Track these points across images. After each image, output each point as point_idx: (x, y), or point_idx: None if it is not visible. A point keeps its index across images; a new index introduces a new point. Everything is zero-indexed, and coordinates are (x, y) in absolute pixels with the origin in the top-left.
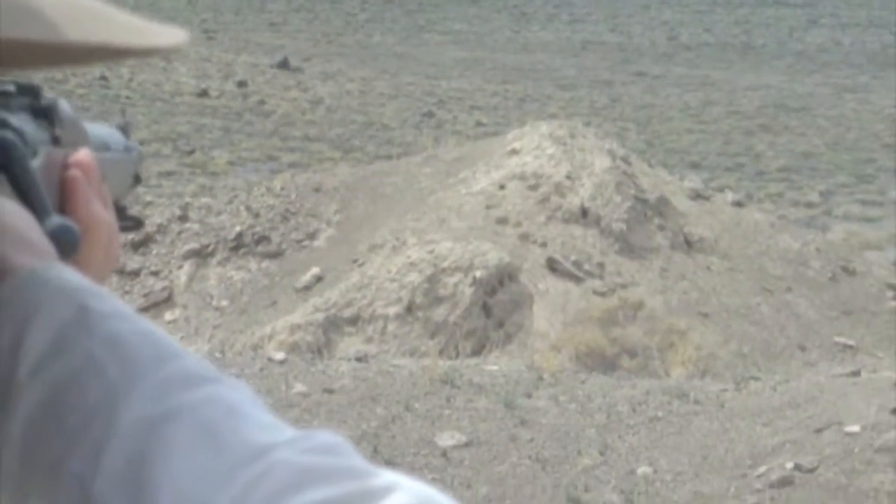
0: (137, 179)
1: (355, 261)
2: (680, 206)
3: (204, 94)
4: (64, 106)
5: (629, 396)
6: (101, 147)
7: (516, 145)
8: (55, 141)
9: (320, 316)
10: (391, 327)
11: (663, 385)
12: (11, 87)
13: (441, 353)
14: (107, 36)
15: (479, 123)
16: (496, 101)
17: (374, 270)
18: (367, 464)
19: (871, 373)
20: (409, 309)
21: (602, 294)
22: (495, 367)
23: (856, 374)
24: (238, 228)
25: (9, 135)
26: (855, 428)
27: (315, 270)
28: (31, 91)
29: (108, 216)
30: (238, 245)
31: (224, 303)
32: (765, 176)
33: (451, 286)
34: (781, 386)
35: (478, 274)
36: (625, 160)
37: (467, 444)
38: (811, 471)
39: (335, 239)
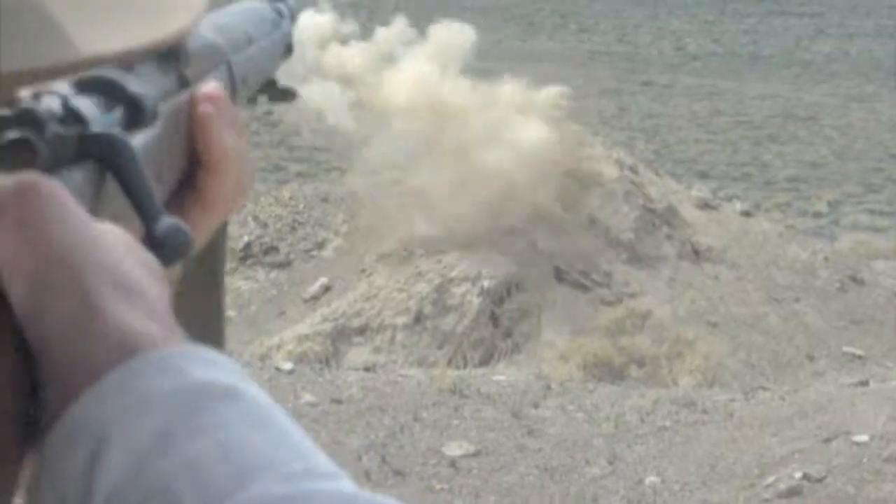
0: (289, 49)
1: (363, 271)
2: (688, 216)
3: None
4: (194, 35)
5: (637, 406)
6: (243, 42)
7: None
8: (182, 81)
9: (328, 326)
10: (399, 337)
11: (671, 394)
12: None
13: (449, 362)
14: (125, 40)
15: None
16: None
17: (382, 280)
18: None
19: (880, 382)
20: (418, 319)
21: (610, 303)
22: (503, 377)
23: (864, 383)
24: (246, 238)
25: (114, 130)
26: (864, 437)
27: (323, 280)
28: None
29: (240, 147)
30: (246, 255)
31: (232, 313)
32: (773, 186)
33: (459, 296)
34: (790, 396)
35: (485, 284)
36: (633, 170)
37: (475, 454)
38: (820, 480)
39: (343, 249)
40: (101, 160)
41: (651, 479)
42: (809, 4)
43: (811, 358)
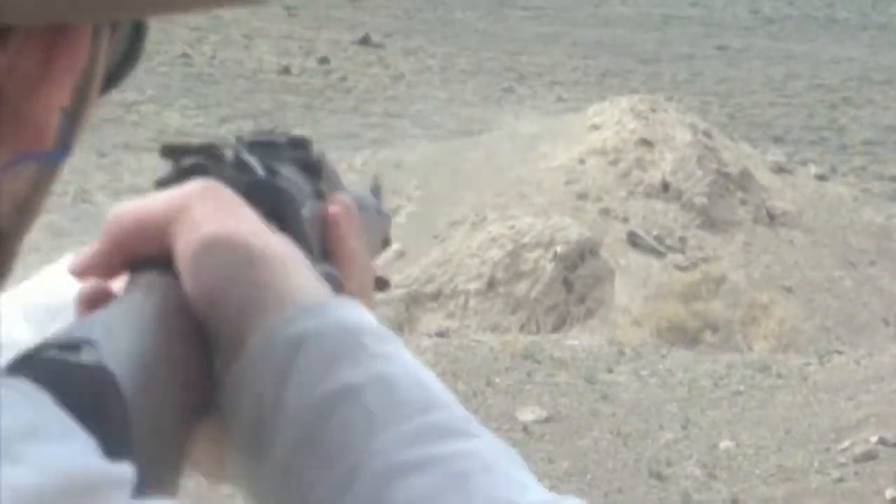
0: (387, 242)
1: (436, 237)
2: (762, 180)
3: (285, 71)
4: (329, 160)
5: (711, 371)
6: (358, 205)
7: (597, 120)
8: (319, 195)
9: (402, 292)
10: (472, 303)
11: (745, 359)
12: (283, 140)
13: (522, 328)
14: None
15: (559, 99)
16: (577, 76)
17: (454, 246)
18: None
19: None
20: (491, 284)
21: (684, 268)
22: (576, 342)
23: None
24: None
25: (283, 183)
26: None
27: (396, 247)
28: (301, 144)
29: (364, 254)
30: None
31: None
32: (848, 149)
33: (532, 261)
34: (865, 360)
35: (559, 249)
36: (706, 134)
37: (548, 419)
38: (895, 444)
39: (416, 215)
40: (268, 207)
41: (725, 443)
42: None
43: (886, 322)
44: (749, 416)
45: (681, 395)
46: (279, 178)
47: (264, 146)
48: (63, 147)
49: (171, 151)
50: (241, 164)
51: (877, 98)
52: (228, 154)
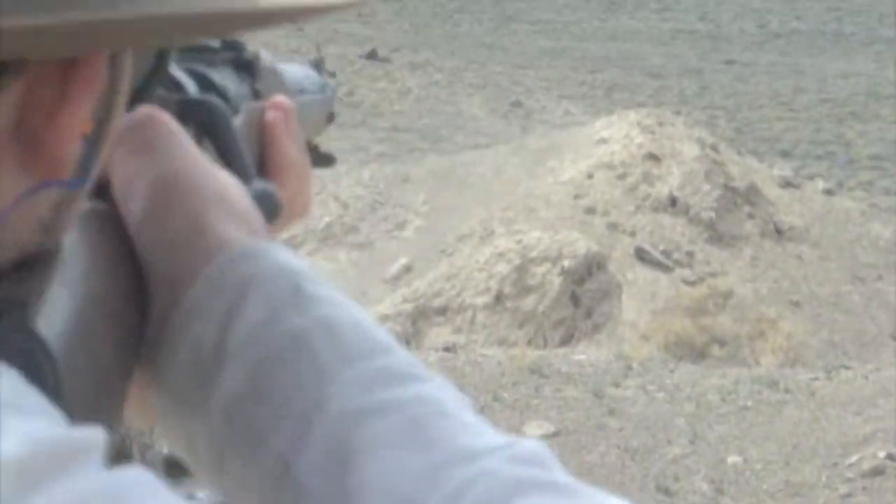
0: (331, 117)
1: (443, 251)
2: (770, 195)
3: None
4: (264, 57)
5: (719, 385)
6: (297, 90)
7: (604, 134)
8: (255, 94)
9: (409, 306)
10: (480, 317)
11: (753, 374)
12: (216, 43)
13: (529, 342)
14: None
15: (567, 113)
16: (584, 90)
17: (462, 260)
18: (573, 479)
19: None
20: (498, 299)
21: (691, 283)
22: (584, 357)
23: None
24: (327, 219)
25: (213, 98)
26: None
27: (404, 261)
28: (234, 46)
29: (303, 160)
30: (327, 236)
31: None
32: (856, 164)
33: (540, 276)
34: (873, 375)
35: (566, 263)
36: (714, 148)
37: (556, 434)
38: None
39: (424, 229)
40: (200, 124)
41: (733, 458)
42: None
43: (894, 337)
44: (757, 431)
45: (688, 410)
46: (211, 91)
47: (198, 51)
48: (84, 174)
49: None
50: (172, 83)
51: (884, 113)
52: None
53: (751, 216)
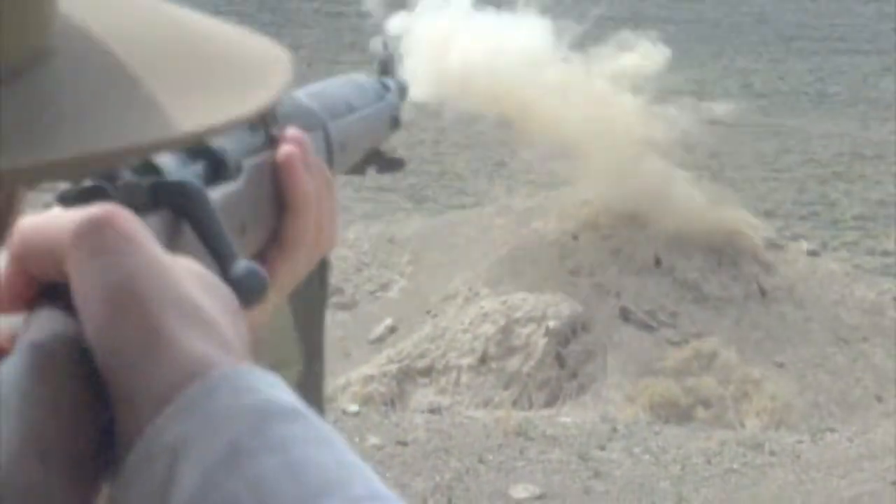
0: (396, 122)
1: (428, 311)
2: (754, 256)
3: None
4: (286, 101)
5: (704, 448)
6: (343, 110)
7: (589, 195)
8: (271, 140)
9: (394, 367)
10: (465, 378)
11: (738, 436)
12: None
13: (514, 403)
14: (214, 116)
15: (552, 172)
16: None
17: (447, 321)
18: None
19: None
20: (483, 360)
21: (676, 344)
22: (569, 419)
23: None
24: None
25: (187, 178)
26: None
27: (388, 321)
28: None
29: (322, 193)
30: None
31: None
32: (840, 224)
33: (525, 337)
34: (858, 437)
35: (551, 324)
36: None
37: (541, 497)
38: None
39: (408, 290)
40: (176, 208)
41: None
42: (876, 41)
43: (880, 399)
44: (742, 495)
45: (674, 473)
46: (204, 155)
47: None
48: None
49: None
50: (144, 166)
51: (868, 173)
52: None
53: (735, 277)
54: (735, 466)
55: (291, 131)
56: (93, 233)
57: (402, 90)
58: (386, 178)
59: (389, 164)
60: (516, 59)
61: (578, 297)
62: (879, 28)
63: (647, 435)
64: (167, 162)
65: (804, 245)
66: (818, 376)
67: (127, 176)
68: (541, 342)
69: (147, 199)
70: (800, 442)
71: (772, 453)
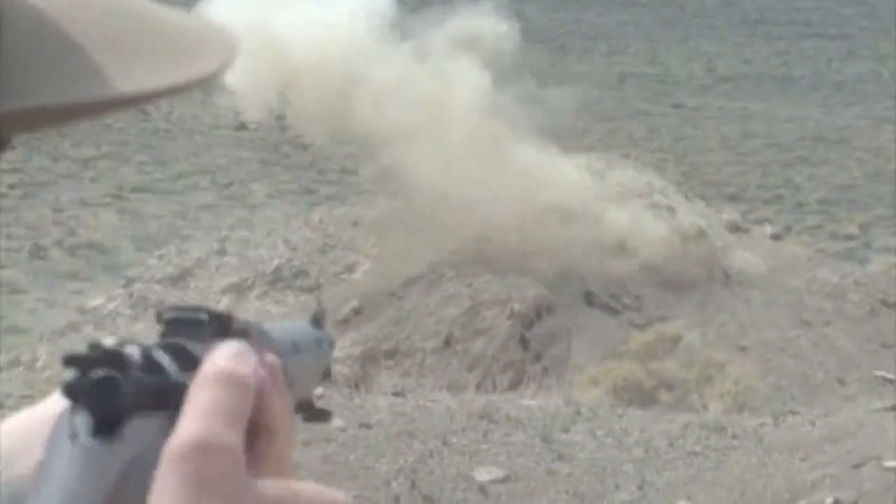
0: (327, 372)
1: (393, 294)
2: (718, 239)
3: (242, 127)
4: (255, 328)
5: (667, 431)
6: (291, 350)
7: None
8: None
9: (358, 350)
10: (429, 361)
11: (701, 419)
12: (204, 316)
13: (478, 386)
14: (159, 80)
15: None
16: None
17: (411, 304)
18: None
19: None
20: (447, 342)
21: (640, 327)
22: (532, 402)
23: (895, 408)
24: (276, 262)
25: (190, 381)
26: (894, 463)
27: (353, 304)
28: (221, 318)
29: (288, 417)
30: (276, 279)
31: None
32: (803, 208)
33: (489, 319)
34: (820, 420)
35: (515, 307)
36: (662, 193)
37: (505, 479)
38: None
39: (373, 273)
40: (178, 409)
41: None
42: (840, 26)
43: (842, 382)
44: (705, 478)
45: (637, 456)
46: (192, 366)
47: (183, 325)
48: None
49: (75, 361)
50: (152, 365)
51: (832, 157)
52: (136, 357)
53: (699, 261)
54: (698, 449)
55: (271, 357)
56: (200, 458)
57: (332, 344)
58: (350, 161)
59: (317, 414)
60: None
61: (543, 279)
62: (844, 12)
63: (610, 418)
64: (169, 366)
65: (768, 229)
66: (781, 360)
67: (136, 373)
68: (505, 325)
69: (152, 398)
70: (762, 425)
71: (734, 436)
